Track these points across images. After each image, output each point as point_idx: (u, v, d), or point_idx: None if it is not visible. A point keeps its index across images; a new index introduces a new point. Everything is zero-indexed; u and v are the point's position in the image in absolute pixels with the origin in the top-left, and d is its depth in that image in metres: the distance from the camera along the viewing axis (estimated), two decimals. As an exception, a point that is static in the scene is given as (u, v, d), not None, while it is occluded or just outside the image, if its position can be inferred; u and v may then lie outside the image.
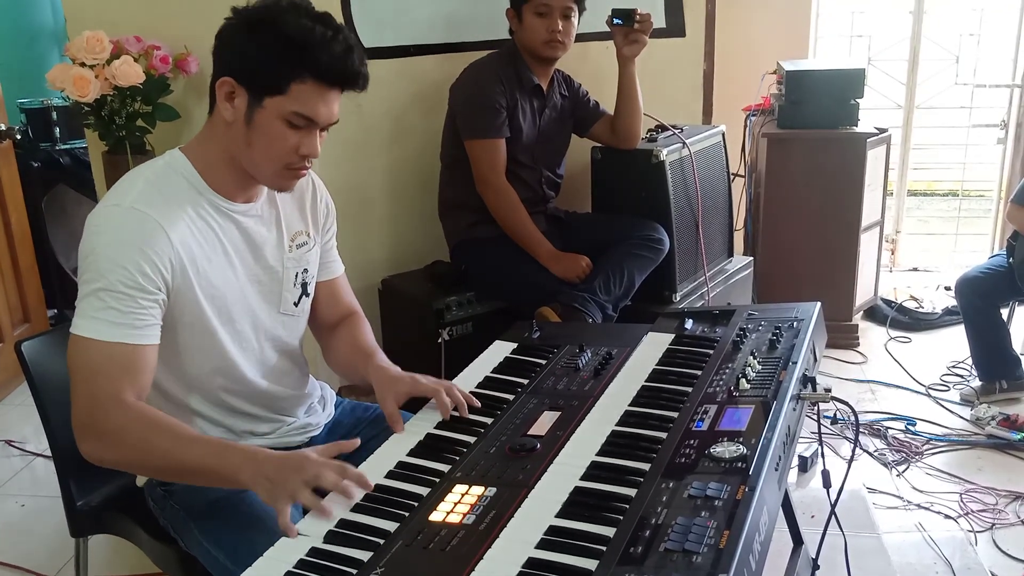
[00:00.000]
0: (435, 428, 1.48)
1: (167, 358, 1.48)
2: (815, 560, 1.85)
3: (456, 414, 1.52)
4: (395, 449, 1.42)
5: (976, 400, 3.16)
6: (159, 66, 2.50)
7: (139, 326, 1.39)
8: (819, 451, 2.77)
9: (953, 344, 3.62)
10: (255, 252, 1.57)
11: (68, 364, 1.40)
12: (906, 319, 3.93)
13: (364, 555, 1.14)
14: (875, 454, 2.87)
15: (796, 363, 1.51)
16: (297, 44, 1.39)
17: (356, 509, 1.25)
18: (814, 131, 3.53)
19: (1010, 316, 3.36)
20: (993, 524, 2.50)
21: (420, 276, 2.96)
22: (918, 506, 2.59)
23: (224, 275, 1.52)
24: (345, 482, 1.28)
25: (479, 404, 1.54)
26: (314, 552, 1.16)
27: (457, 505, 1.22)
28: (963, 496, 2.63)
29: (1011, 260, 3.12)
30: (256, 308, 1.59)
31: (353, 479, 1.30)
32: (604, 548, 1.08)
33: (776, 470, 1.25)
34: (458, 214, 2.84)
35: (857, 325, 3.78)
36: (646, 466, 1.26)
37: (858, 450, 2.87)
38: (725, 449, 1.25)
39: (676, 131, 3.00)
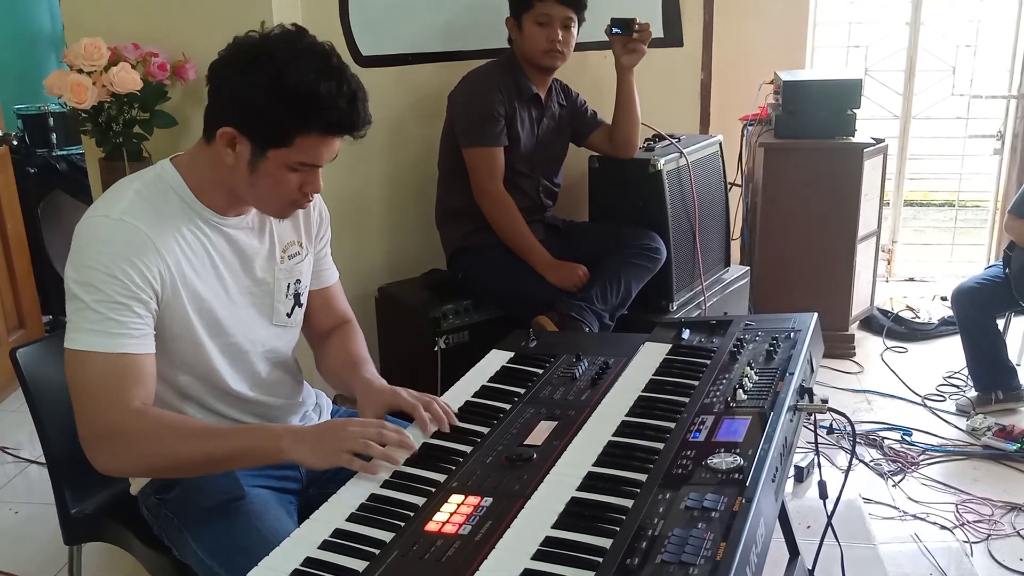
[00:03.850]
0: (431, 437, 1.47)
1: (157, 364, 1.47)
2: (811, 571, 1.85)
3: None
4: (391, 458, 1.41)
5: (972, 410, 3.16)
6: (157, 73, 2.50)
7: (138, 336, 1.38)
8: (815, 461, 2.76)
9: (949, 354, 3.63)
10: (245, 265, 1.56)
11: (68, 380, 1.38)
12: (902, 329, 3.93)
13: (359, 565, 1.13)
14: (871, 464, 2.87)
15: (793, 374, 1.51)
16: (303, 102, 1.35)
17: (351, 519, 1.24)
18: (811, 141, 3.53)
19: (1006, 327, 3.37)
20: (989, 535, 2.50)
21: (417, 284, 2.96)
22: (914, 516, 2.59)
23: (213, 289, 1.51)
24: (389, 448, 1.34)
25: (457, 423, 1.51)
26: (308, 562, 1.15)
27: (453, 515, 1.21)
28: (959, 507, 2.62)
29: (1007, 271, 3.13)
30: (249, 321, 1.58)
31: (393, 442, 1.34)
32: (600, 559, 1.07)
33: (773, 481, 1.24)
34: (455, 222, 2.84)
35: (853, 335, 3.78)
36: (643, 477, 1.26)
37: (854, 460, 2.87)
38: (722, 460, 1.24)
39: (673, 140, 3.01)
